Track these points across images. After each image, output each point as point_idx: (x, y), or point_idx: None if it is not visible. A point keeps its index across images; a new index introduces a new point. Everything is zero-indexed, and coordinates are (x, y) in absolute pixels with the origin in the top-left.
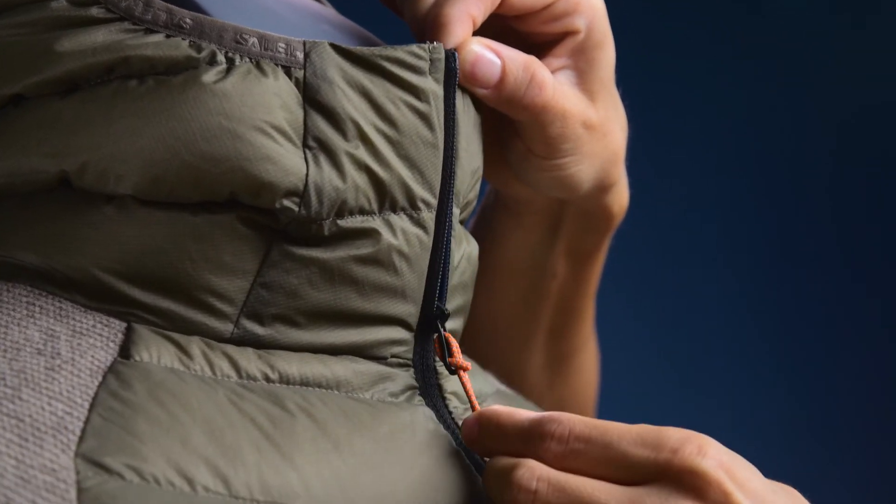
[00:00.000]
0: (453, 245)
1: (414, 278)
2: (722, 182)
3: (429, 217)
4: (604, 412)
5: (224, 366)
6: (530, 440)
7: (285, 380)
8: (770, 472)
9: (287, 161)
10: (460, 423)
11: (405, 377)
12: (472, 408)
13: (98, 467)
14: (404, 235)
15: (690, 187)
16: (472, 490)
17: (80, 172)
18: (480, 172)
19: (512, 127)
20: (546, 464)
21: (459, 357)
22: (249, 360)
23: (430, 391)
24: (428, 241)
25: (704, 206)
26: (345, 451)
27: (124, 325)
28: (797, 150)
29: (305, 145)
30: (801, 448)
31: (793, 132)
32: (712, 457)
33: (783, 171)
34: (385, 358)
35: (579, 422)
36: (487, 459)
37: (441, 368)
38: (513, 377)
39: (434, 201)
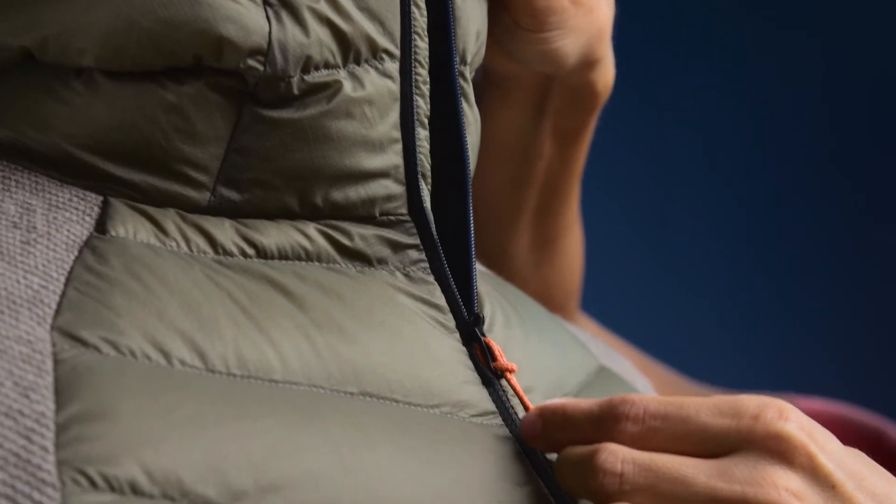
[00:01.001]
0: (465, 108)
1: (388, 127)
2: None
3: (393, 67)
4: (590, 303)
5: (200, 242)
6: (603, 425)
7: (262, 254)
8: (754, 367)
9: (248, 20)
10: (453, 285)
11: (398, 236)
12: (525, 408)
13: (74, 340)
14: (373, 86)
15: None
16: (459, 358)
17: (41, 47)
18: (484, 36)
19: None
20: (624, 445)
21: (503, 359)
22: (226, 233)
23: (431, 242)
24: (395, 89)
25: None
26: (323, 326)
27: (100, 198)
28: (794, 65)
29: (266, 2)
30: (782, 344)
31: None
32: (794, 420)
33: (783, 95)
34: (374, 217)
35: (652, 400)
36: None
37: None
38: (500, 259)
39: (397, 51)
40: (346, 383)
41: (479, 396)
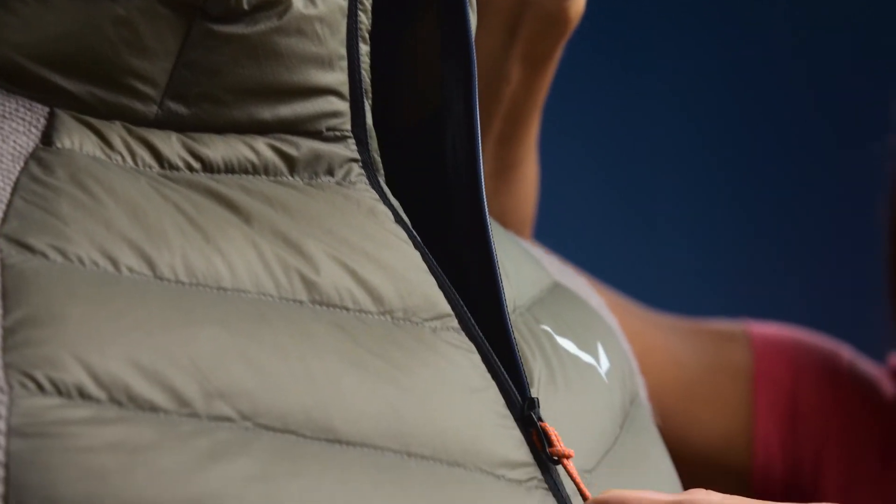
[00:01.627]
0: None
1: (338, 44)
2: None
3: None
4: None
5: (145, 156)
6: None
7: (209, 168)
8: (714, 294)
9: None
10: (394, 201)
11: (343, 150)
12: (583, 496)
13: (21, 246)
14: (324, 3)
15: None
16: (411, 264)
17: None
18: None
19: None
20: None
21: (560, 444)
22: (172, 147)
23: (371, 161)
24: (345, 6)
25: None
26: (270, 238)
27: (47, 110)
28: None
29: None
30: (741, 272)
31: None
32: None
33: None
34: (320, 132)
35: None
36: None
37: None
38: None
39: None
40: (295, 292)
41: (437, 297)
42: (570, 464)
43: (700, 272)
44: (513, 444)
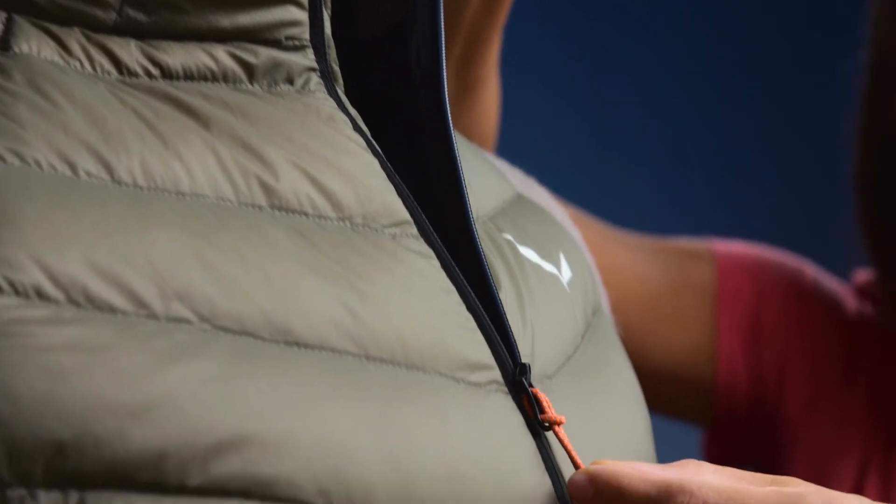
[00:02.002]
0: None
1: None
2: None
3: None
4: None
5: (104, 62)
6: None
7: (167, 74)
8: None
9: None
10: (352, 111)
11: (302, 59)
12: (575, 465)
13: None
14: None
15: None
16: (370, 171)
17: None
18: None
19: None
20: None
21: (552, 411)
22: (131, 53)
23: (329, 71)
24: None
25: None
26: (229, 144)
27: (5, 15)
28: None
29: None
30: (706, 190)
31: None
32: None
33: None
34: (279, 41)
35: (712, 492)
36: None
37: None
38: None
39: None
40: (254, 197)
41: (396, 204)
42: (561, 430)
43: (665, 190)
44: (473, 347)
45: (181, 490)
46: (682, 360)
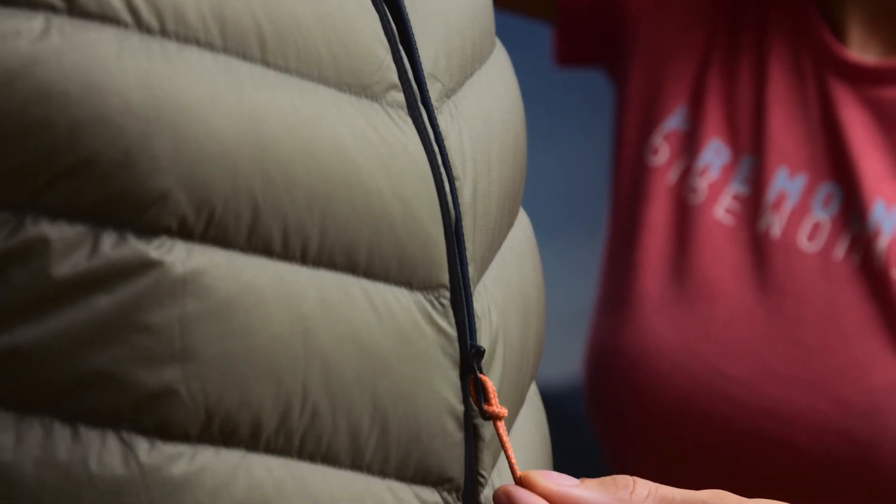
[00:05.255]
0: None
1: None
2: None
3: None
4: None
5: None
6: None
7: None
8: None
9: None
10: None
11: None
12: (511, 468)
13: None
14: None
15: None
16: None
17: None
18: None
19: None
20: None
21: (496, 404)
22: None
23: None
24: None
25: None
26: None
27: None
28: None
29: None
30: None
31: None
32: None
33: None
34: None
35: None
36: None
37: None
38: None
39: None
40: None
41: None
42: (502, 426)
43: None
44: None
45: None
46: None
